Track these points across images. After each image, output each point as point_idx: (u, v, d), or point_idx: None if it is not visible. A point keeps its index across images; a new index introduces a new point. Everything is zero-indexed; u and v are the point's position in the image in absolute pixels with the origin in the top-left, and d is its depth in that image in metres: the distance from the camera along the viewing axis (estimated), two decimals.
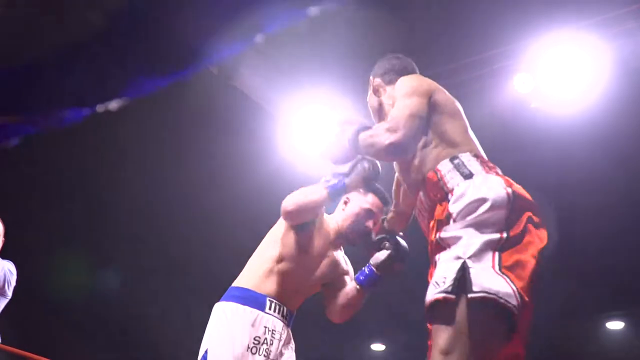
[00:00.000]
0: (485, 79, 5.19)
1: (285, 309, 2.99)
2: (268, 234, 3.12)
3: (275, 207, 3.08)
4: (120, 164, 6.51)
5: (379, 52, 4.94)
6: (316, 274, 3.05)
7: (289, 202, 2.92)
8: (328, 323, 3.19)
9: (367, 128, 2.42)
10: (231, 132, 5.86)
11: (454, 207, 2.19)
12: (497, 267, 2.05)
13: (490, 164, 2.35)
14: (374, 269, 2.95)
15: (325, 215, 3.12)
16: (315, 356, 7.07)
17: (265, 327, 2.91)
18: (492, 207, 2.14)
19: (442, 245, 2.17)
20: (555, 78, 4.98)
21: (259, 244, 3.11)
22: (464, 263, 2.05)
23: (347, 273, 3.15)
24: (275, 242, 3.04)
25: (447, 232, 2.17)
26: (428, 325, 2.16)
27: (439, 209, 2.27)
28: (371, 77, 2.75)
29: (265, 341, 2.89)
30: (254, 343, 2.87)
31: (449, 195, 2.24)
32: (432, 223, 2.30)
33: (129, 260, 7.88)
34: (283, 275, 2.99)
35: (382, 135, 2.34)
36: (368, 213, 3.07)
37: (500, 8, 4.75)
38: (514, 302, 2.01)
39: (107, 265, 7.92)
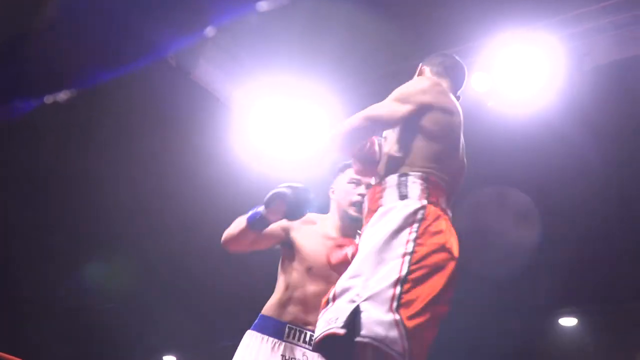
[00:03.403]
0: None
1: (309, 333, 2.89)
2: None
3: (229, 207, 3.05)
4: (69, 157, 6.39)
5: (337, 45, 4.94)
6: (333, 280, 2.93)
7: (224, 234, 2.93)
8: None
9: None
10: (181, 124, 5.77)
11: (366, 229, 2.29)
12: (394, 305, 2.07)
13: (435, 191, 2.31)
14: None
15: (316, 219, 3.06)
16: None
17: (283, 355, 2.87)
18: (396, 232, 2.19)
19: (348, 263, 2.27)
20: (512, 77, 5.02)
21: (207, 245, 3.07)
22: (357, 307, 2.09)
23: None
24: (280, 272, 3.03)
25: (355, 258, 2.24)
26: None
27: (369, 219, 2.34)
28: (421, 65, 2.77)
29: None
30: None
31: (380, 209, 2.30)
32: (362, 229, 2.38)
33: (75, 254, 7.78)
34: (298, 300, 2.94)
35: (332, 130, 2.49)
36: (354, 183, 3.00)
37: (458, 6, 4.77)
38: (398, 348, 2.05)
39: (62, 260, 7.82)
